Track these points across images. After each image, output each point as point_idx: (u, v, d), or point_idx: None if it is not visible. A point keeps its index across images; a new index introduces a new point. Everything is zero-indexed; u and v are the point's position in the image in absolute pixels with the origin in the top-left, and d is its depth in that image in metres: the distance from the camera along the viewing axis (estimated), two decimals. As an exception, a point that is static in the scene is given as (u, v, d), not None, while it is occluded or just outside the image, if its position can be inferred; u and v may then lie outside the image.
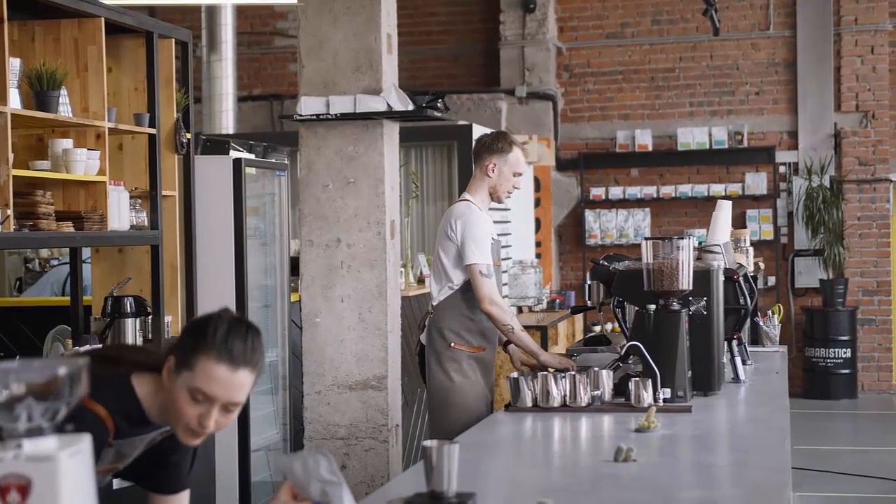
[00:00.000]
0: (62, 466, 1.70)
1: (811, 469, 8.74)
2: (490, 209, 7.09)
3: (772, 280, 12.53)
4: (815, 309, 12.40)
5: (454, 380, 5.15)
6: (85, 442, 1.77)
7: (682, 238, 4.42)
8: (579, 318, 11.14)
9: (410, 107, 5.96)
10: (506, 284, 9.80)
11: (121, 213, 5.17)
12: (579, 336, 10.73)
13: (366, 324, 5.97)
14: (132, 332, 5.32)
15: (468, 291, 5.17)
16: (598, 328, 12.19)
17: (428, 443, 2.74)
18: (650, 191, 12.79)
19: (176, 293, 5.77)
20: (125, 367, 2.68)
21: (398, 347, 6.11)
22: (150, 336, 5.50)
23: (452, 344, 5.20)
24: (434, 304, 5.30)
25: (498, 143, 5.30)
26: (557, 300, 10.90)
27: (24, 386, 1.73)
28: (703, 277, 4.54)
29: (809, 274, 12.55)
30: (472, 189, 5.35)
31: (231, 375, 2.53)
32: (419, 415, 7.33)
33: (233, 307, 6.36)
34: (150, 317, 5.47)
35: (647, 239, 4.45)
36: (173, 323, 5.75)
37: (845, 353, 12.20)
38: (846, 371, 12.23)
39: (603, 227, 12.90)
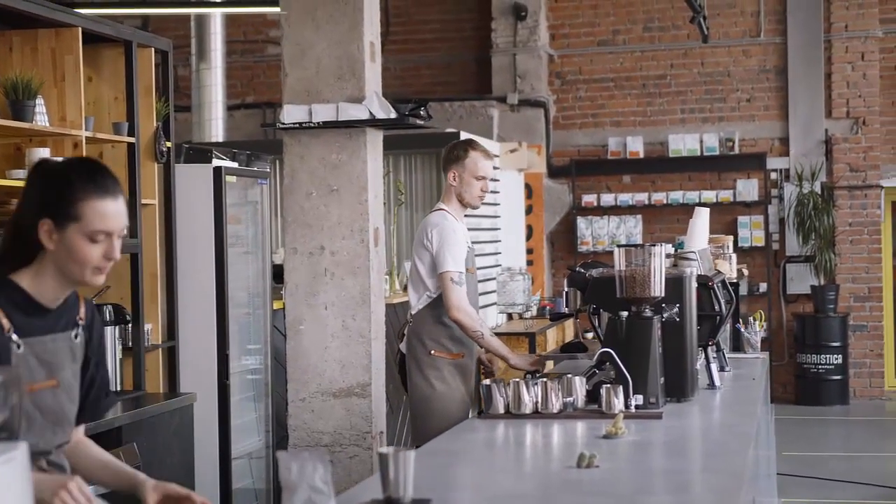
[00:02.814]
0: (-6, 473, 1.72)
1: (800, 475, 8.75)
2: (477, 216, 7.12)
3: (763, 286, 12.54)
4: (806, 315, 12.40)
5: (435, 387, 5.22)
6: (20, 450, 1.79)
7: (654, 245, 4.43)
8: (570, 324, 11.15)
9: (393, 115, 5.98)
10: (493, 292, 9.82)
11: (99, 221, 5.18)
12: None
13: (349, 331, 5.98)
14: (111, 340, 5.34)
15: None
16: (590, 335, 12.20)
17: (383, 450, 2.76)
18: (642, 198, 12.80)
19: (156, 301, 5.79)
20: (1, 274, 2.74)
21: (382, 355, 6.12)
22: (129, 344, 5.51)
23: (432, 352, 5.28)
24: (413, 312, 5.39)
25: (454, 151, 5.44)
26: (548, 307, 10.91)
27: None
28: (676, 284, 4.55)
29: (801, 280, 12.56)
30: (444, 199, 5.47)
31: (115, 206, 2.71)
32: (404, 422, 7.35)
33: (214, 315, 6.43)
34: (129, 325, 5.49)
35: (619, 246, 4.47)
36: (153, 331, 5.77)
37: (837, 359, 12.21)
38: (838, 377, 12.24)
39: (595, 233, 12.92)
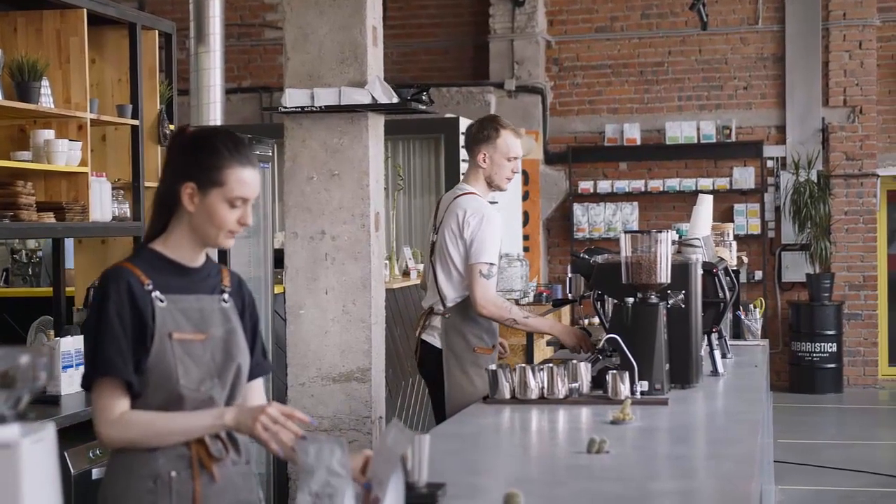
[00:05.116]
0: (24, 454, 1.71)
1: (795, 463, 8.78)
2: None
3: (759, 274, 12.57)
4: (801, 303, 12.43)
5: (476, 384, 4.95)
6: (48, 430, 1.78)
7: (661, 232, 4.43)
8: (566, 311, 11.17)
9: (395, 99, 5.97)
10: (492, 277, 9.82)
11: (103, 204, 5.18)
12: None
13: (350, 316, 5.98)
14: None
15: None
16: (585, 321, 12.22)
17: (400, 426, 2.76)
18: (638, 185, 12.82)
19: (159, 284, 5.77)
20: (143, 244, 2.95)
21: (382, 340, 6.12)
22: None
23: (476, 349, 5.07)
24: (448, 304, 5.11)
25: (484, 130, 5.15)
26: (545, 293, 10.91)
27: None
28: (681, 271, 4.55)
29: (796, 268, 12.59)
30: (470, 180, 5.21)
31: (254, 175, 2.89)
32: (403, 407, 7.35)
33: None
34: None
35: (626, 232, 4.46)
36: (156, 314, 5.75)
37: (831, 347, 12.24)
38: (832, 365, 12.27)
39: (591, 220, 12.93)
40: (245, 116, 12.86)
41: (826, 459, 9.05)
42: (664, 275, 4.40)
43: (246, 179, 2.84)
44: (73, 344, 5.04)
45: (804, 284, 12.50)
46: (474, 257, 4.97)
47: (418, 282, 7.90)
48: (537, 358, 9.06)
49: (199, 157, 2.84)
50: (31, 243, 8.29)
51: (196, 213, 2.83)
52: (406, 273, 8.11)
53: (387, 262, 7.58)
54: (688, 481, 3.10)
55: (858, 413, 11.56)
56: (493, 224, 5.04)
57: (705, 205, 5.47)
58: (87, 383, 2.79)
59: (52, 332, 5.40)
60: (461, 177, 9.55)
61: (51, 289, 5.59)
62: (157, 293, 2.80)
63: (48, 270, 7.42)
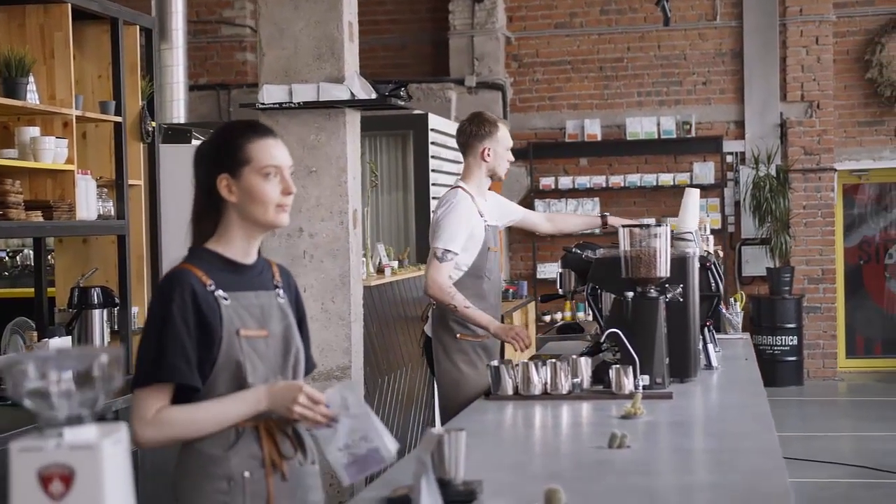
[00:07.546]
0: (105, 454, 1.67)
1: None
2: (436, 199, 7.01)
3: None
4: (761, 297, 12.52)
5: (463, 371, 5.17)
6: (123, 430, 1.74)
7: (660, 225, 4.43)
8: (532, 307, 11.18)
9: (373, 95, 5.94)
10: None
11: (88, 202, 5.09)
12: (533, 326, 10.76)
13: (329, 314, 5.95)
14: (99, 323, 5.24)
15: (468, 280, 5.15)
16: (547, 318, 12.24)
17: (435, 430, 2.73)
18: (599, 180, 12.85)
19: (142, 284, 5.69)
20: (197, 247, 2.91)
21: (361, 337, 6.09)
22: (116, 327, 5.42)
23: (458, 335, 5.21)
24: None
25: (484, 127, 5.32)
26: (510, 290, 10.92)
27: (63, 374, 1.70)
28: (679, 264, 4.55)
29: (756, 262, 12.68)
30: (466, 177, 5.37)
31: (278, 144, 2.87)
32: (381, 404, 7.31)
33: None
34: (117, 308, 5.39)
35: (624, 226, 4.45)
36: (140, 314, 5.67)
37: (791, 340, 12.34)
38: (792, 358, 12.38)
39: (552, 216, 12.92)
40: (203, 114, 12.72)
41: (789, 451, 9.07)
42: (664, 268, 4.40)
43: (269, 148, 2.83)
44: (60, 345, 4.95)
45: (764, 278, 12.60)
46: (433, 241, 5.17)
47: (394, 279, 7.89)
48: (507, 354, 9.04)
49: (219, 149, 2.84)
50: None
51: (239, 200, 2.80)
52: (381, 270, 8.06)
53: (363, 259, 7.53)
54: (715, 475, 3.09)
55: (819, 405, 11.67)
56: (458, 212, 5.17)
57: (693, 198, 5.46)
58: (141, 385, 2.74)
59: (34, 334, 5.30)
60: (431, 173, 9.62)
61: (32, 289, 5.48)
62: (219, 292, 2.77)
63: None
